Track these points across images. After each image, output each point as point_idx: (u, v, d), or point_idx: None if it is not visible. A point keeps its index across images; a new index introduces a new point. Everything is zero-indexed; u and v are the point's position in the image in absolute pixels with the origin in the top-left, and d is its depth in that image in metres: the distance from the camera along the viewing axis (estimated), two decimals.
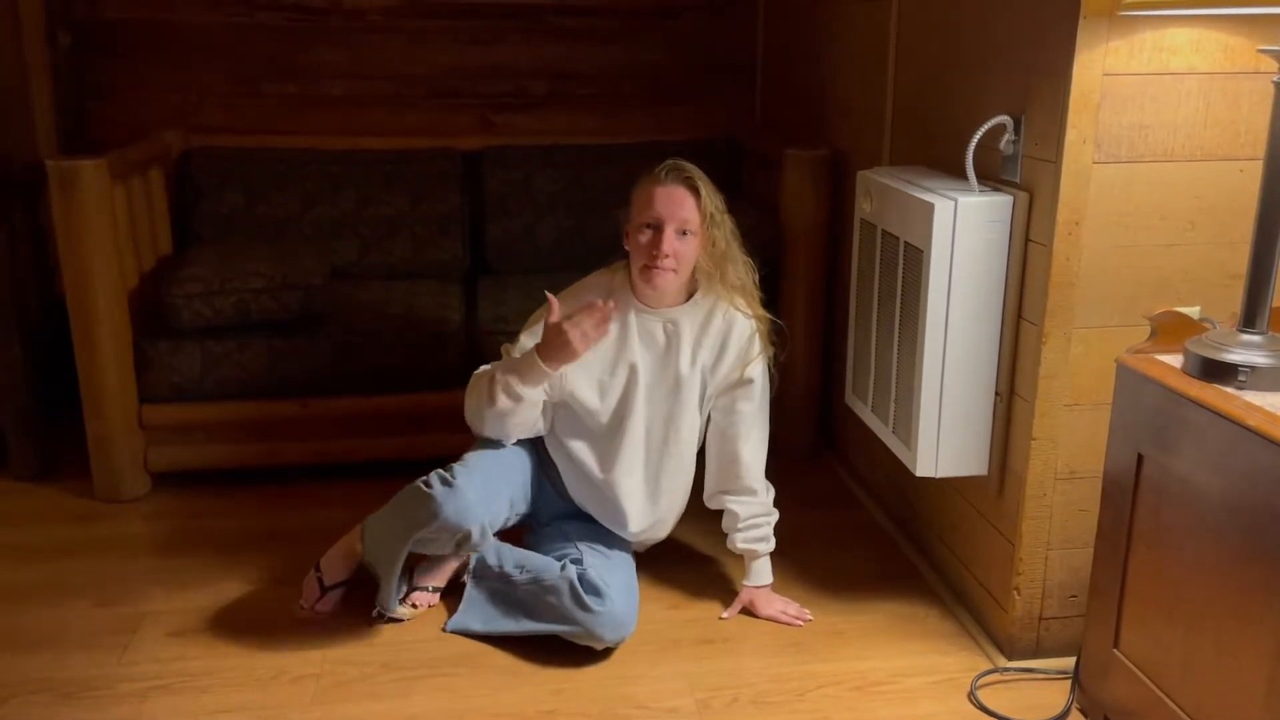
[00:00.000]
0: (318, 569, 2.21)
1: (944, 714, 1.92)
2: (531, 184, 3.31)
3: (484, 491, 2.07)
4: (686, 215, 2.07)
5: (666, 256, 2.07)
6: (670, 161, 2.12)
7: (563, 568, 2.09)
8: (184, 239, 3.14)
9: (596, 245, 3.29)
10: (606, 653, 2.07)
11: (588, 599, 2.03)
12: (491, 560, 2.18)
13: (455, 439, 2.34)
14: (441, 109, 3.46)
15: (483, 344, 2.79)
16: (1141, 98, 1.78)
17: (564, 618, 2.05)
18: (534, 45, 3.46)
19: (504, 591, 2.15)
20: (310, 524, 2.58)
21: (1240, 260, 1.75)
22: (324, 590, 2.20)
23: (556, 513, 2.30)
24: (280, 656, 2.06)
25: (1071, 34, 1.73)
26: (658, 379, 2.18)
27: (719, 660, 2.07)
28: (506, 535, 2.29)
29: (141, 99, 3.30)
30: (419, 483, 2.05)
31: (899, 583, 2.35)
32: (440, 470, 2.07)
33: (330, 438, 2.79)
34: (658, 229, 2.07)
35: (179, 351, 2.66)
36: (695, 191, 2.08)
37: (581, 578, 2.06)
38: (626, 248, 2.16)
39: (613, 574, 2.11)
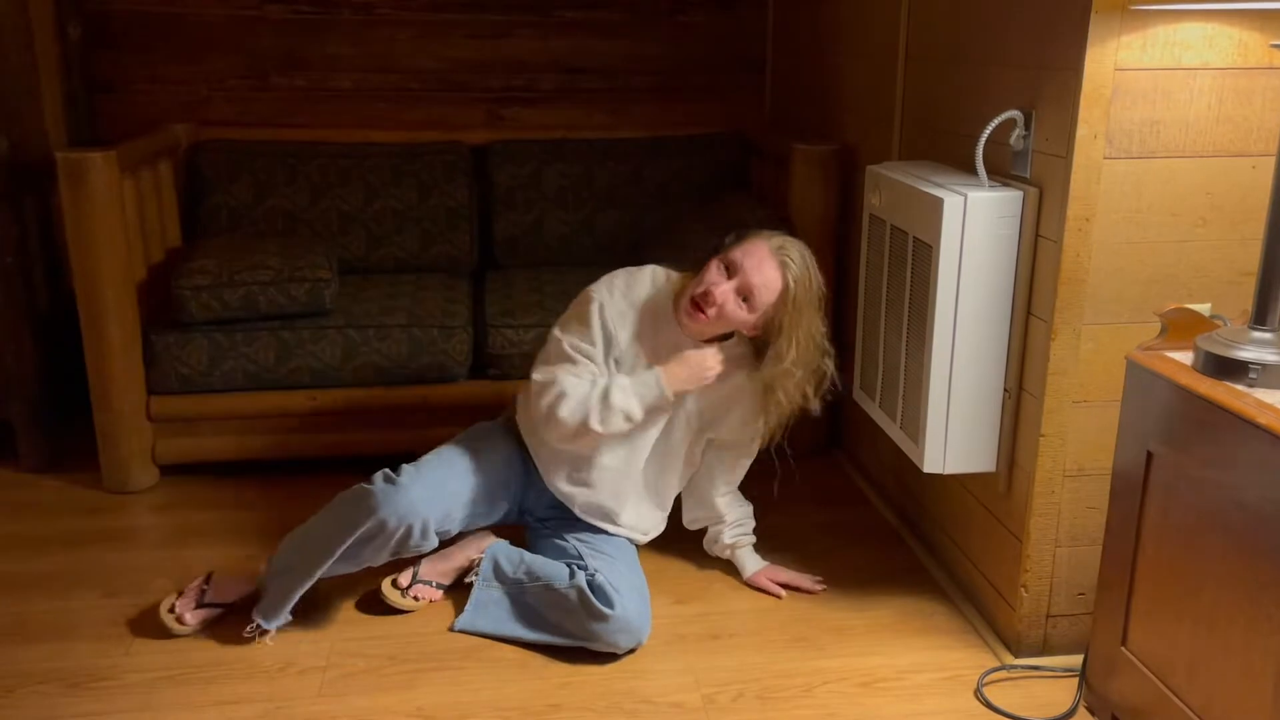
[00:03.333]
0: (207, 580, 2.15)
1: (950, 711, 1.92)
2: (540, 178, 3.31)
3: (430, 490, 2.04)
4: (758, 288, 2.00)
5: (712, 305, 2.00)
6: (792, 239, 2.07)
7: (571, 574, 2.06)
8: (192, 231, 3.14)
9: (605, 240, 3.31)
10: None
11: (600, 607, 1.99)
12: (505, 565, 2.16)
13: (459, 432, 2.35)
14: (450, 103, 3.46)
15: (489, 338, 2.80)
16: (1153, 93, 1.77)
17: (577, 630, 2.03)
18: (543, 39, 3.45)
19: (514, 596, 2.13)
20: None
21: (1252, 257, 1.74)
22: (201, 603, 2.11)
23: (550, 503, 2.25)
24: (287, 648, 2.06)
25: (1083, 28, 1.72)
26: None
27: (725, 655, 2.07)
28: (506, 532, 2.30)
29: (151, 92, 3.31)
30: (360, 485, 2.05)
31: (906, 579, 2.34)
32: (387, 469, 2.07)
33: (337, 431, 2.79)
34: (726, 275, 2.01)
35: (187, 343, 2.67)
36: (785, 279, 2.01)
37: (591, 584, 2.02)
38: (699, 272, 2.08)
39: (619, 575, 2.08)
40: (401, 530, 1.99)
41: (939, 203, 1.91)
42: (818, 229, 2.83)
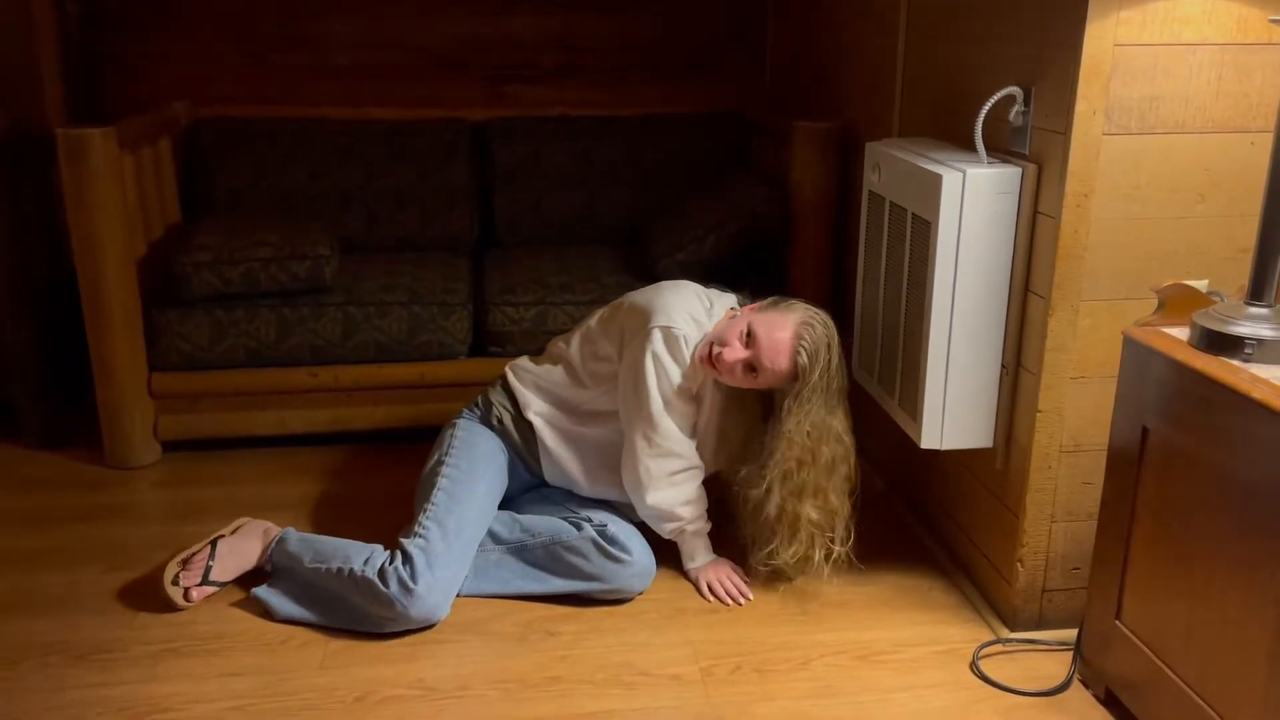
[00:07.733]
0: (212, 555, 2.14)
1: (946, 684, 1.93)
2: (540, 156, 3.31)
3: (447, 585, 2.04)
4: (765, 370, 2.03)
5: (721, 369, 2.05)
6: (820, 325, 2.06)
7: (578, 528, 2.13)
8: (192, 209, 3.15)
9: (605, 218, 3.30)
10: (611, 620, 2.10)
11: (618, 553, 2.10)
12: (500, 530, 2.20)
13: (459, 409, 2.36)
14: (450, 80, 3.45)
15: (489, 316, 2.80)
16: (1153, 69, 1.77)
17: (592, 575, 2.11)
18: (543, 17, 3.44)
19: (517, 554, 2.17)
20: (317, 491, 2.60)
21: (1250, 233, 1.74)
22: (206, 580, 2.12)
23: (526, 486, 2.34)
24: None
25: (1083, 4, 1.72)
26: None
27: (723, 629, 2.09)
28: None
29: (151, 69, 3.31)
30: (374, 577, 1.97)
31: (903, 554, 2.36)
32: (399, 566, 1.98)
33: (338, 407, 2.81)
34: (744, 344, 2.04)
35: (188, 320, 2.68)
36: (796, 372, 2.04)
37: (604, 534, 2.11)
38: (734, 310, 2.17)
39: (622, 524, 2.15)
40: (423, 626, 2.03)
41: (938, 179, 1.91)
42: (817, 206, 2.83)
